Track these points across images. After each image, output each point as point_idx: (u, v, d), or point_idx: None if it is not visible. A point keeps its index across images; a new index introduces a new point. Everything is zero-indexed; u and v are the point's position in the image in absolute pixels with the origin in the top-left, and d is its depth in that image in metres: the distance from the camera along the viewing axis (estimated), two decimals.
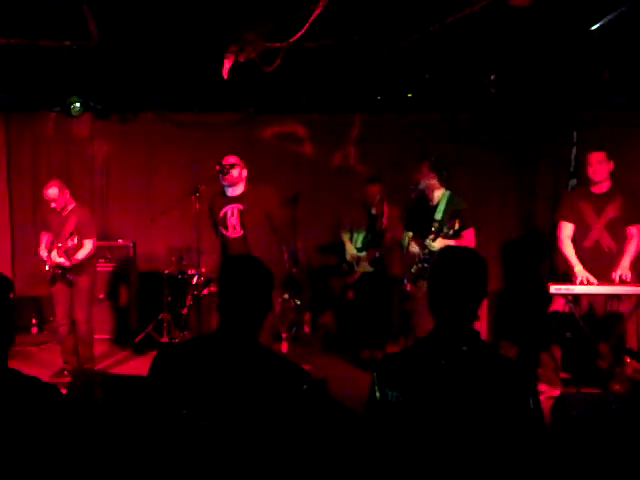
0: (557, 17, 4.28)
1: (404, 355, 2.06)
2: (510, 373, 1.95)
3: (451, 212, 4.72)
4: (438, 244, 4.60)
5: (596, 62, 5.19)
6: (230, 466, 1.89)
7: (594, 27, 4.26)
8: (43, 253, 5.42)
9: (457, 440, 1.87)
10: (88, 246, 5.36)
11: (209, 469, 1.88)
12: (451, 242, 4.50)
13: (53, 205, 5.31)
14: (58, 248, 5.26)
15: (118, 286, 6.97)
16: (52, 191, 5.25)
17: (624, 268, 4.67)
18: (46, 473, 1.76)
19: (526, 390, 1.93)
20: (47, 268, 5.39)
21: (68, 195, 5.39)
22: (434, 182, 4.84)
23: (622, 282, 4.61)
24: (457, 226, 4.45)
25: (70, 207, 5.41)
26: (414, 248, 4.84)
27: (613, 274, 4.66)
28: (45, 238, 5.50)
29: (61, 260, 5.26)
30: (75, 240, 5.19)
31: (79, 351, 5.54)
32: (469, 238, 4.66)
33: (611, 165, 4.77)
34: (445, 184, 4.88)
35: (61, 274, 5.38)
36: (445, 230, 4.51)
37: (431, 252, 4.62)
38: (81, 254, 5.32)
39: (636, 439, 3.18)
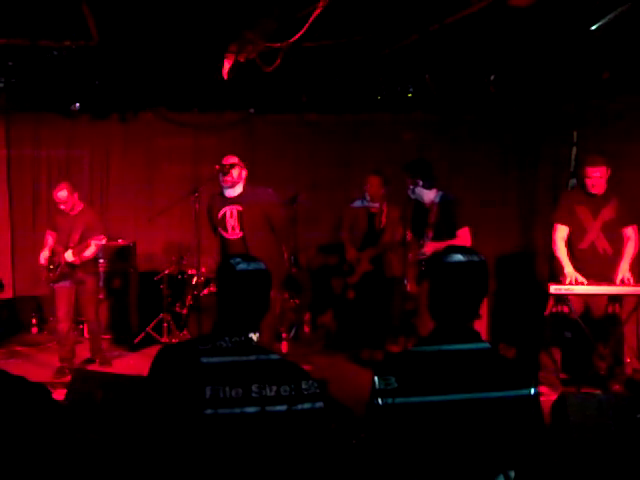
0: (557, 17, 4.28)
1: (405, 354, 2.06)
2: (510, 373, 1.96)
3: (444, 214, 4.72)
4: (428, 248, 4.61)
5: (596, 62, 5.18)
6: (235, 466, 1.89)
7: (594, 27, 4.26)
8: (44, 254, 5.54)
9: (457, 438, 1.88)
10: (94, 246, 5.53)
11: (216, 469, 1.88)
12: (442, 244, 4.48)
13: (62, 207, 5.50)
14: (72, 248, 5.40)
15: (118, 286, 6.96)
16: (62, 193, 5.45)
17: (624, 271, 4.65)
18: (38, 473, 1.75)
19: (526, 390, 1.93)
20: (52, 267, 5.50)
21: (77, 197, 5.58)
22: (421, 188, 4.83)
23: (624, 284, 4.58)
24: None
25: (79, 208, 5.59)
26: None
27: (615, 278, 4.63)
28: (50, 238, 5.66)
29: (74, 259, 5.41)
30: (92, 245, 5.38)
31: (90, 344, 5.81)
32: (464, 237, 4.65)
33: (609, 173, 4.68)
34: (433, 185, 4.84)
35: (69, 272, 5.49)
36: (436, 233, 4.54)
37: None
38: (88, 252, 5.48)
39: (635, 439, 3.18)
